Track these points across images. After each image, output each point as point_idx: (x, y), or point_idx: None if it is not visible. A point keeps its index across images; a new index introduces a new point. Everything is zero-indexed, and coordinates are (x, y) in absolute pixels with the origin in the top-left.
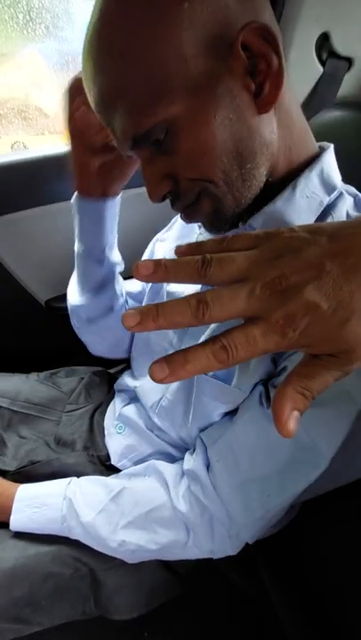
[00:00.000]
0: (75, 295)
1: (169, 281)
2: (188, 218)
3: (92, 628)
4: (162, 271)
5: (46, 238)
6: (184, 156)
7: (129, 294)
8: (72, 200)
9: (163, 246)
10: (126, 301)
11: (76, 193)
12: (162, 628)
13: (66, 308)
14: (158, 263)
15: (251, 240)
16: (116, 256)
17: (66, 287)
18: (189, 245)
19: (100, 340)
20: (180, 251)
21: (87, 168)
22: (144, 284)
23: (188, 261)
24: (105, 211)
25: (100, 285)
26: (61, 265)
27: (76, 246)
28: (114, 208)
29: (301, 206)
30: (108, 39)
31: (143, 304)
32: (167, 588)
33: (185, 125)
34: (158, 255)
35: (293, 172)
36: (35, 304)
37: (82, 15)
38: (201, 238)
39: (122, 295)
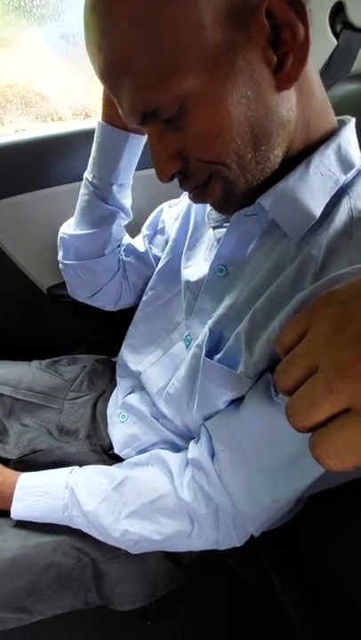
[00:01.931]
0: (70, 226)
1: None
2: (197, 198)
3: (95, 617)
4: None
5: (48, 223)
6: (196, 136)
7: (131, 250)
8: (96, 125)
9: (170, 211)
10: (122, 253)
11: (99, 121)
12: (164, 619)
13: (67, 296)
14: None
15: (304, 320)
16: (123, 200)
17: None
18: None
19: (79, 282)
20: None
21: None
22: (147, 246)
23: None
24: (125, 144)
25: (97, 223)
26: None
27: (86, 174)
28: (134, 148)
29: (315, 184)
30: None
31: (154, 278)
32: (170, 579)
33: (199, 103)
34: (168, 225)
35: (310, 148)
36: (37, 291)
37: None
38: (207, 212)
39: (119, 243)
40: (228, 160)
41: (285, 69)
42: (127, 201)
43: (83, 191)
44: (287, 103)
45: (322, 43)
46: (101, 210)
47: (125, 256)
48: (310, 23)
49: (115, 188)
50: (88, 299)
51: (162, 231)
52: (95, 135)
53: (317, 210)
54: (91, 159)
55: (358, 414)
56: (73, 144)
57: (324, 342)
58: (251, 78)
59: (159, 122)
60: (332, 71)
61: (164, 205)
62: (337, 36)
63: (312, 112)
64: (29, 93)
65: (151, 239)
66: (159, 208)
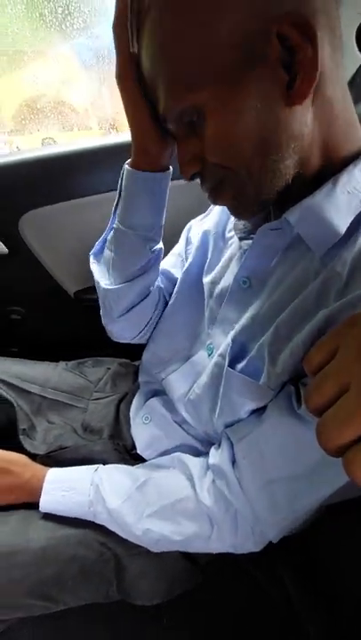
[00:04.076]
0: (107, 278)
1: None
2: (213, 200)
3: (115, 610)
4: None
5: (76, 231)
6: (211, 142)
7: (166, 276)
8: (125, 175)
9: (196, 227)
10: (159, 280)
11: (127, 167)
12: (181, 616)
13: (94, 300)
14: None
15: (332, 341)
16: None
17: (94, 279)
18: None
19: (128, 327)
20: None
21: (149, 133)
22: (178, 262)
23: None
24: (166, 183)
25: (143, 269)
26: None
27: (121, 226)
28: (168, 180)
29: (341, 202)
30: (158, 17)
31: (177, 290)
32: (188, 578)
33: (213, 112)
34: (194, 238)
35: (334, 166)
36: (64, 295)
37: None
38: (234, 223)
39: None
40: (235, 166)
41: (296, 86)
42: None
43: (120, 243)
44: (300, 117)
45: (348, 59)
46: (148, 255)
47: (161, 282)
48: (318, 47)
49: (161, 227)
50: (134, 339)
51: (191, 249)
52: (129, 185)
53: (342, 227)
54: (125, 210)
55: None
56: (100, 158)
57: (355, 361)
58: (262, 93)
59: (183, 125)
60: (358, 87)
61: (191, 223)
62: None
63: (333, 129)
64: (57, 104)
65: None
66: (187, 227)
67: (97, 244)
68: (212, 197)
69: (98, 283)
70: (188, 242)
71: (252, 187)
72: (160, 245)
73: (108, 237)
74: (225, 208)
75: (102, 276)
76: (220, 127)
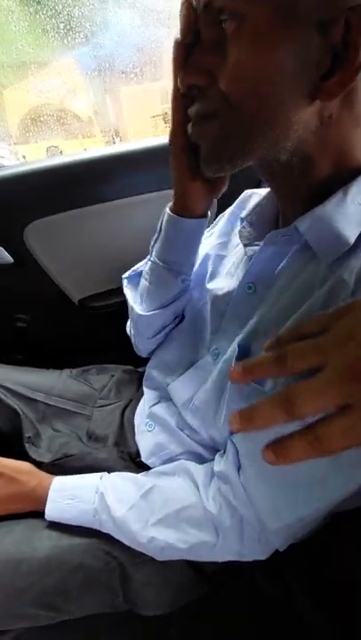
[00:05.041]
0: (140, 304)
1: (256, 378)
2: (196, 131)
3: (121, 621)
4: (248, 371)
5: (80, 240)
6: (229, 66)
7: None
8: (164, 220)
9: (205, 243)
10: None
11: (168, 211)
12: (188, 625)
13: (98, 307)
14: (244, 367)
15: (326, 319)
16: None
17: (98, 287)
18: (270, 342)
19: (155, 344)
20: (266, 346)
21: (192, 186)
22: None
23: (264, 359)
24: (204, 228)
25: (175, 298)
26: (94, 265)
27: (159, 261)
28: (206, 224)
29: (351, 212)
30: None
31: (192, 300)
32: (194, 587)
33: (250, 35)
34: (200, 253)
35: (345, 175)
36: (68, 303)
37: (118, 23)
38: (238, 230)
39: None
40: (237, 103)
41: (329, 82)
42: None
43: (155, 274)
44: (313, 112)
45: None
46: (180, 286)
47: None
48: None
49: (194, 265)
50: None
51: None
52: (166, 226)
53: (352, 237)
54: (163, 247)
55: (355, 412)
56: (104, 167)
57: (338, 345)
58: (300, 60)
59: (214, 33)
60: None
61: (208, 250)
62: None
63: (352, 139)
64: (61, 112)
65: None
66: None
67: (131, 271)
68: (197, 127)
69: (132, 308)
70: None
71: (240, 135)
72: (191, 276)
73: (145, 269)
74: (228, 218)
75: (136, 302)
76: (249, 60)
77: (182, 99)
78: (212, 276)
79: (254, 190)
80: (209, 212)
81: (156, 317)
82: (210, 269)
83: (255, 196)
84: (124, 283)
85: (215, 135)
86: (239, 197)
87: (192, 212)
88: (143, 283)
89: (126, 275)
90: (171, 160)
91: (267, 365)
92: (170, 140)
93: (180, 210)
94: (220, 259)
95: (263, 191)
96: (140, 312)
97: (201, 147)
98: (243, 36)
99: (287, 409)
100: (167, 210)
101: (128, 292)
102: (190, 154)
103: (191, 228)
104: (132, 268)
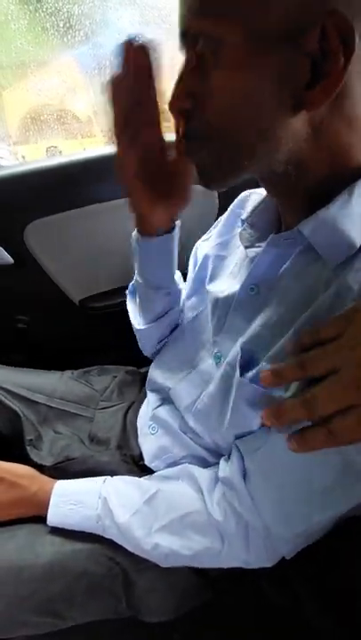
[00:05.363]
0: (136, 319)
1: (285, 382)
2: (186, 151)
3: (125, 626)
4: (277, 376)
5: (80, 240)
6: (209, 93)
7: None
8: (133, 240)
9: (204, 246)
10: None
11: (136, 234)
12: (192, 632)
13: (99, 307)
14: (273, 372)
15: (340, 323)
16: (179, 279)
17: (99, 287)
18: (293, 343)
19: (155, 346)
20: (291, 348)
21: (148, 203)
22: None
23: (289, 365)
24: (172, 243)
25: (165, 311)
26: (95, 265)
27: (139, 279)
28: (177, 237)
29: (357, 214)
30: None
31: (188, 303)
32: (198, 593)
33: (228, 59)
34: (200, 256)
35: (345, 176)
36: (69, 303)
37: (118, 20)
38: (239, 232)
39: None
40: (222, 129)
41: (312, 93)
42: (179, 277)
43: (141, 292)
44: (300, 123)
45: None
46: (167, 300)
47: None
48: (350, 62)
49: (175, 277)
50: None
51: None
52: (134, 249)
53: (358, 239)
54: (140, 268)
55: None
56: (104, 167)
57: (350, 349)
58: (280, 77)
59: (194, 56)
60: None
61: (197, 244)
62: None
63: (347, 142)
64: (61, 112)
65: None
66: (194, 250)
67: (131, 285)
68: (187, 149)
69: (133, 325)
70: (195, 264)
71: (228, 158)
72: (177, 287)
73: None
74: (228, 217)
75: (134, 317)
76: (227, 80)
77: (125, 127)
78: (213, 278)
79: (253, 190)
80: (178, 223)
81: (152, 330)
82: (210, 271)
83: (255, 195)
84: (127, 297)
85: (204, 158)
86: (238, 197)
87: (156, 231)
88: (137, 299)
89: (129, 289)
90: (123, 185)
91: (291, 370)
92: (116, 168)
93: (144, 230)
94: (220, 259)
95: (263, 191)
96: (137, 326)
97: (195, 164)
98: (220, 61)
99: (308, 409)
100: (135, 231)
101: (129, 306)
102: (144, 177)
103: (158, 245)
104: (133, 281)
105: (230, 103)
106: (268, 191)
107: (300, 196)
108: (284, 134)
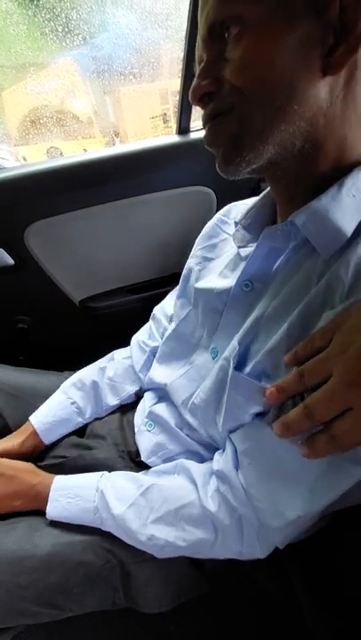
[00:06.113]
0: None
1: (288, 396)
2: (212, 134)
3: (122, 618)
4: (281, 392)
5: (80, 241)
6: (238, 60)
7: (166, 316)
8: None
9: (191, 261)
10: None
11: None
12: (188, 623)
13: (98, 308)
14: (278, 388)
15: (329, 330)
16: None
17: (99, 287)
18: (290, 355)
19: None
20: (289, 360)
21: None
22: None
23: (290, 379)
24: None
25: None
26: (95, 266)
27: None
28: None
29: (347, 205)
30: None
31: (180, 305)
32: (194, 585)
33: (254, 32)
34: (187, 267)
35: (343, 170)
36: (69, 304)
37: (116, 24)
38: (233, 233)
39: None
40: (252, 92)
41: (335, 55)
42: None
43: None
44: (323, 88)
45: None
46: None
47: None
48: None
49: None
50: None
51: None
52: None
53: (349, 230)
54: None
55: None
56: (104, 168)
57: (337, 355)
58: (305, 44)
59: (216, 43)
60: None
61: (190, 264)
62: None
63: (354, 128)
64: (60, 114)
65: None
66: (184, 274)
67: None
68: (212, 130)
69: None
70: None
71: (259, 122)
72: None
73: None
74: (214, 224)
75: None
76: (254, 48)
77: None
78: (201, 277)
79: (238, 202)
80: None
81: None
82: (196, 272)
83: (241, 205)
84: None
85: (233, 129)
86: (223, 208)
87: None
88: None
89: None
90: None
91: (292, 384)
92: None
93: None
94: (207, 261)
95: (249, 201)
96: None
97: (218, 150)
98: (246, 35)
99: (308, 417)
100: None
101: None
102: None
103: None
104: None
105: (259, 66)
106: (273, 184)
107: (303, 187)
108: (309, 96)
